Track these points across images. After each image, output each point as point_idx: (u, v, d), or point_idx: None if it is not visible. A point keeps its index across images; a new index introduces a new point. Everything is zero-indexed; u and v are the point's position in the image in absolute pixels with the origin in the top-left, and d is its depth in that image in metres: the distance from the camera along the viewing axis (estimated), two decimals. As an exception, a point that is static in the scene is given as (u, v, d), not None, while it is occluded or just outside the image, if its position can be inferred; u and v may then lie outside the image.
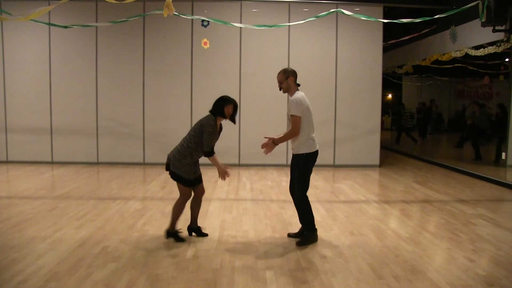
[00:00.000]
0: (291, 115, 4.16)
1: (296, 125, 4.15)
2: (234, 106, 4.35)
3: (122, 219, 5.12)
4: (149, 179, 7.83)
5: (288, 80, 4.27)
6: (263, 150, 4.29)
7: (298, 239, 4.39)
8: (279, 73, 4.33)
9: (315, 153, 4.32)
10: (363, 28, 9.27)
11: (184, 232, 4.52)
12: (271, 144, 4.23)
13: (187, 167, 4.26)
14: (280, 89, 4.34)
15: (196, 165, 4.38)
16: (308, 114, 4.23)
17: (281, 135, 4.30)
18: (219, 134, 4.45)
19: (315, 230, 4.40)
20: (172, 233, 4.39)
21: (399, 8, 10.29)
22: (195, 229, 4.54)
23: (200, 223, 4.97)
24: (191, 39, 9.30)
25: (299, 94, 4.24)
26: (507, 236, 4.71)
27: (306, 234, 4.36)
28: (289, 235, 4.56)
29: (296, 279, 3.46)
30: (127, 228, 4.76)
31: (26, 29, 9.23)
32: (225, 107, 4.30)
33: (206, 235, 4.54)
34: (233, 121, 4.44)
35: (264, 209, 5.76)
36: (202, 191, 4.51)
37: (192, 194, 4.45)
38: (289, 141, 4.37)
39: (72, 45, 9.36)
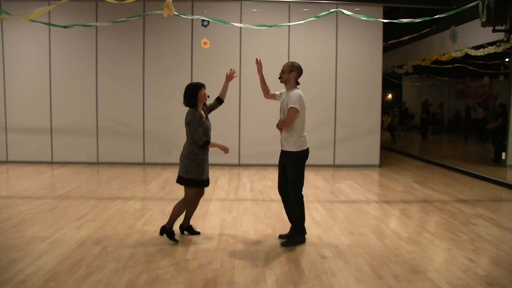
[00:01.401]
0: (290, 107, 4.14)
1: (292, 117, 4.15)
2: (205, 88, 4.38)
3: (122, 219, 5.12)
4: (149, 179, 7.83)
5: (290, 74, 4.28)
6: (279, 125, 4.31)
7: (283, 240, 4.39)
8: (287, 63, 4.37)
9: (307, 151, 4.31)
10: (363, 28, 9.27)
11: (177, 231, 4.54)
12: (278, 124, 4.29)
13: (199, 168, 4.26)
14: (279, 78, 4.34)
15: (207, 166, 4.38)
16: (303, 113, 4.24)
17: (283, 141, 4.32)
18: (208, 121, 4.40)
19: (304, 232, 4.38)
20: (167, 231, 4.34)
21: (399, 8, 10.28)
22: (187, 228, 4.57)
23: (200, 223, 4.98)
24: (191, 39, 9.30)
25: (299, 91, 4.26)
26: (507, 236, 4.71)
27: (294, 235, 4.33)
28: (281, 237, 4.54)
29: (296, 279, 3.46)
30: (127, 228, 4.77)
31: (26, 29, 9.23)
32: (198, 93, 4.29)
33: (198, 233, 4.55)
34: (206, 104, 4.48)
35: (264, 209, 5.76)
36: (202, 193, 4.54)
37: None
38: (281, 138, 4.35)
39: (72, 45, 9.36)
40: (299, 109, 4.16)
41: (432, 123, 16.90)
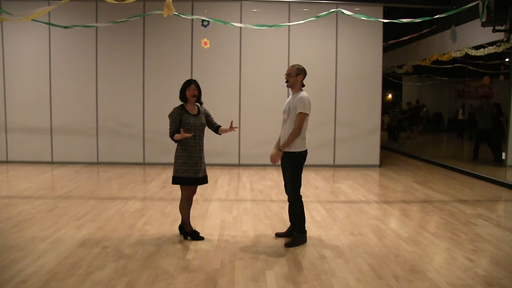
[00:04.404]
0: (299, 112, 4.15)
1: (301, 122, 4.16)
2: (196, 85, 4.34)
3: (122, 219, 5.12)
4: (149, 179, 7.83)
5: (297, 77, 4.29)
6: (271, 160, 4.29)
7: (287, 239, 4.40)
8: (292, 66, 4.37)
9: (306, 152, 4.32)
10: (363, 28, 9.27)
11: (177, 231, 4.57)
12: (278, 153, 4.23)
13: (183, 165, 4.26)
14: (286, 81, 4.35)
15: (197, 164, 4.33)
16: (309, 115, 4.26)
17: (284, 140, 4.26)
18: (197, 118, 4.36)
19: (305, 231, 4.40)
20: (189, 234, 4.42)
21: (399, 8, 10.28)
22: (191, 234, 4.49)
23: (200, 223, 4.98)
24: (191, 39, 9.30)
25: (306, 93, 4.27)
26: (507, 236, 4.71)
27: (296, 235, 4.35)
28: (277, 235, 4.57)
29: (296, 279, 3.46)
30: (127, 228, 4.77)
31: (26, 29, 9.24)
32: (186, 91, 4.32)
33: (202, 238, 4.46)
34: (200, 102, 4.46)
35: (264, 209, 5.76)
36: (193, 192, 4.47)
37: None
38: (281, 138, 4.34)
39: (72, 45, 9.36)
40: (307, 113, 4.19)
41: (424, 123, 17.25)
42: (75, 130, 9.44)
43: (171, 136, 4.30)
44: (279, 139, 4.39)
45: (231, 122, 4.58)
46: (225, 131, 4.54)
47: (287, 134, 4.26)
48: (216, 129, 4.56)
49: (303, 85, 4.35)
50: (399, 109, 15.27)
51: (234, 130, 4.57)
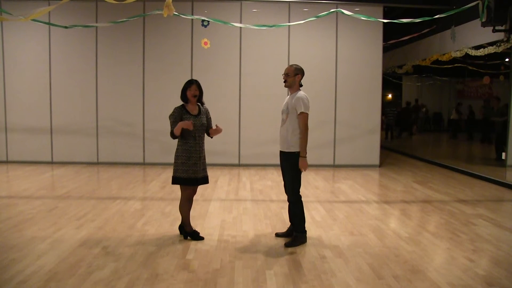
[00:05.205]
0: (301, 112, 4.16)
1: (305, 122, 4.17)
2: (197, 85, 4.33)
3: (122, 219, 5.12)
4: (149, 179, 7.83)
5: (296, 77, 4.30)
6: (303, 168, 4.20)
7: (287, 239, 4.40)
8: (290, 66, 4.37)
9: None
10: (363, 28, 9.27)
11: (177, 231, 4.58)
12: (303, 160, 4.17)
13: (182, 166, 4.27)
14: (284, 81, 4.35)
15: (196, 164, 4.32)
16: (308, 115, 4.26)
17: (285, 141, 4.26)
18: (198, 118, 4.34)
19: (305, 231, 4.40)
20: (189, 234, 4.42)
21: (399, 8, 10.29)
22: (191, 234, 4.49)
23: (200, 223, 4.98)
24: (191, 39, 9.30)
25: (304, 93, 4.27)
26: (507, 236, 4.71)
27: (296, 235, 4.35)
28: (277, 235, 4.57)
29: (296, 279, 3.46)
30: (127, 228, 4.77)
31: (26, 29, 9.24)
32: (187, 91, 4.32)
33: (202, 238, 4.45)
34: (201, 102, 4.45)
35: (264, 209, 5.76)
36: (193, 192, 4.47)
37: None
38: (282, 139, 4.34)
39: (72, 45, 9.36)
40: (308, 113, 4.19)
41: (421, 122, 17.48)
42: (75, 130, 9.44)
43: (172, 134, 4.28)
44: (282, 140, 4.36)
45: (215, 125, 4.54)
46: (214, 132, 4.52)
47: (286, 134, 4.26)
48: (207, 132, 4.56)
49: (301, 85, 4.36)
50: (399, 108, 15.43)
51: (221, 129, 4.50)
